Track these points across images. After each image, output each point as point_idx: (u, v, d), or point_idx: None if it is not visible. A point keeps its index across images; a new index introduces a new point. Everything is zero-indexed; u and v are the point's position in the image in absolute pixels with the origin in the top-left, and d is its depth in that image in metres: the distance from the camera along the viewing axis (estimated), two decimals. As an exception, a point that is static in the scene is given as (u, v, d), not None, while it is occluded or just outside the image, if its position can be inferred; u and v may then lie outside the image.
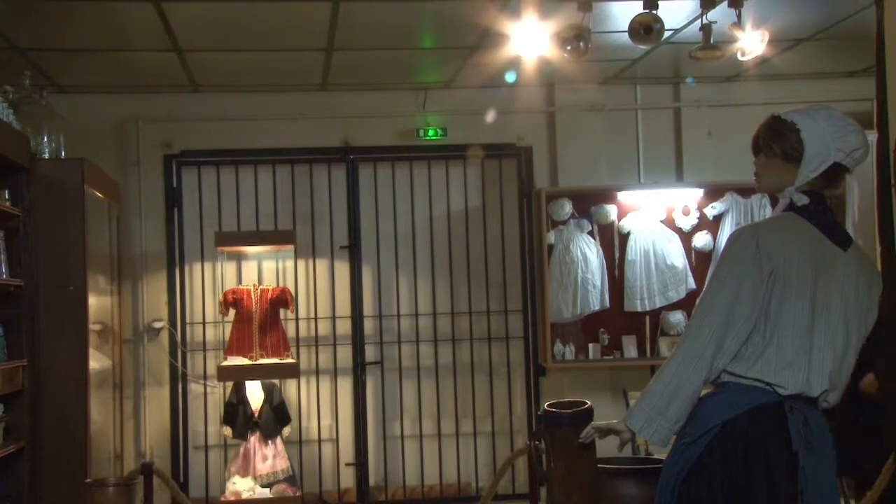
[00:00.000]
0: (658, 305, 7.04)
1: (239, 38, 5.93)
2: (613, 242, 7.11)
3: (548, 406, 3.19)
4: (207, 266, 7.09)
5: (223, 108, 7.11)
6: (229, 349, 6.51)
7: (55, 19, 5.44)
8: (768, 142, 2.84)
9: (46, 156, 5.74)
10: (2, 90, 5.47)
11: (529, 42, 5.56)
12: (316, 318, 7.17)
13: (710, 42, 5.40)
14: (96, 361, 5.99)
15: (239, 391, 6.48)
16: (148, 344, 7.05)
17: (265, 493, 6.30)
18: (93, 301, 5.88)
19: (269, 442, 6.44)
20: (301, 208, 7.21)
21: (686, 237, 7.12)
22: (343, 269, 7.21)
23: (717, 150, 7.26)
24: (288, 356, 6.53)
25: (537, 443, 3.24)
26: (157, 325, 7.04)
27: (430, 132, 7.22)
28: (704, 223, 7.14)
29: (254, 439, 6.41)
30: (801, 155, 2.78)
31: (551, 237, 7.03)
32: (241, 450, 6.42)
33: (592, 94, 7.30)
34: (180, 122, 7.09)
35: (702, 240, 7.10)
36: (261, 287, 6.60)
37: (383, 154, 7.25)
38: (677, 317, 7.00)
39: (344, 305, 7.20)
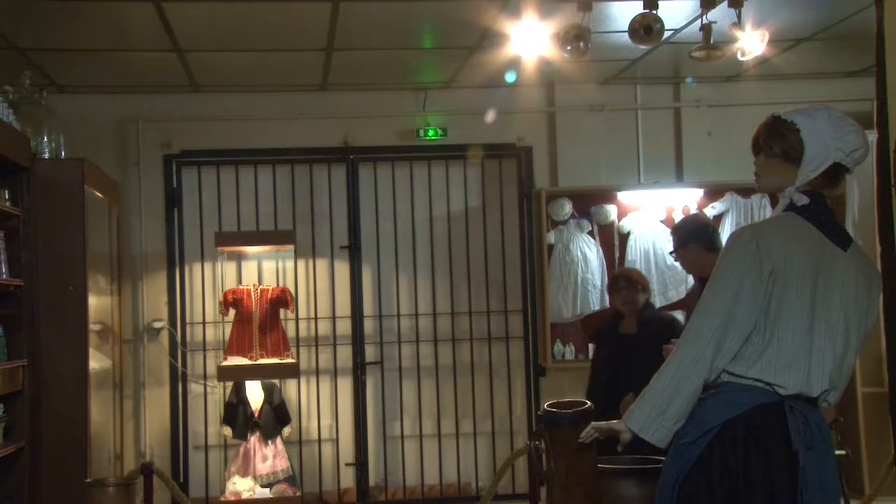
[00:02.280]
0: (658, 305, 7.03)
1: (239, 38, 5.93)
2: (613, 242, 7.11)
3: (548, 406, 3.18)
4: (207, 266, 7.10)
5: (223, 108, 7.11)
6: (229, 349, 6.51)
7: (55, 19, 5.44)
8: (768, 142, 2.84)
9: (46, 156, 5.74)
10: (2, 90, 5.47)
11: (529, 42, 5.55)
12: (316, 318, 7.17)
13: (710, 42, 5.40)
14: (96, 361, 5.99)
15: (239, 391, 6.48)
16: (148, 344, 7.05)
17: (265, 493, 6.30)
18: (93, 301, 5.88)
19: (269, 442, 6.43)
20: (301, 208, 7.21)
21: (686, 237, 7.11)
22: (343, 269, 7.21)
23: (717, 150, 7.26)
24: (288, 356, 6.53)
25: (537, 443, 3.24)
26: (157, 325, 7.04)
27: (430, 132, 7.22)
28: (704, 223, 7.13)
29: (254, 439, 6.40)
30: (801, 155, 2.78)
31: (551, 237, 7.04)
32: (241, 450, 6.42)
33: (592, 94, 7.30)
34: (180, 122, 7.09)
35: (702, 240, 7.09)
36: (261, 287, 6.60)
37: (383, 154, 7.25)
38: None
39: (344, 305, 7.20)
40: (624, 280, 5.28)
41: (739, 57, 5.60)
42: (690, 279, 7.01)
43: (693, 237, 4.57)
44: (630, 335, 5.21)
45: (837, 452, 3.62)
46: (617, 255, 7.09)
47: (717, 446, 2.71)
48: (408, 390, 7.23)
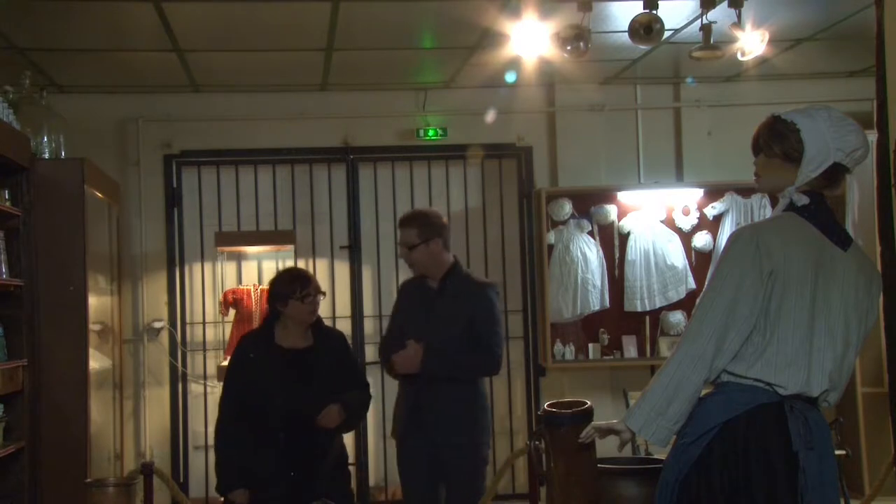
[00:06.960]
0: (658, 305, 7.04)
1: (239, 38, 5.94)
2: (613, 242, 7.10)
3: (548, 406, 3.18)
4: (207, 266, 7.10)
5: (223, 108, 7.11)
6: (229, 349, 6.50)
7: (55, 19, 5.44)
8: (768, 142, 2.84)
9: (46, 156, 5.74)
10: (2, 90, 5.47)
11: (529, 42, 5.56)
12: (316, 318, 7.16)
13: (710, 42, 5.41)
14: (96, 361, 5.99)
15: (239, 391, 6.47)
16: (148, 344, 7.05)
17: (265, 493, 6.29)
18: (93, 301, 5.88)
19: (269, 442, 6.42)
20: (301, 208, 7.21)
21: (686, 237, 7.12)
22: (343, 269, 7.21)
23: (717, 150, 7.27)
24: (288, 356, 6.52)
25: (537, 443, 3.23)
26: (157, 325, 7.04)
27: (430, 132, 7.22)
28: (704, 223, 7.14)
29: (254, 439, 6.39)
30: (801, 155, 2.78)
31: (551, 237, 7.03)
32: (241, 450, 6.41)
33: (592, 94, 7.30)
34: (180, 122, 7.09)
35: (702, 240, 7.10)
36: (261, 287, 6.60)
37: (383, 154, 7.26)
38: (677, 317, 7.00)
39: (344, 305, 7.20)
40: (313, 286, 4.39)
41: (739, 57, 5.60)
42: (690, 279, 7.03)
43: (437, 232, 4.36)
44: (304, 349, 4.39)
45: (837, 452, 3.62)
46: (617, 255, 7.09)
47: (717, 446, 2.71)
48: (408, 390, 7.22)
